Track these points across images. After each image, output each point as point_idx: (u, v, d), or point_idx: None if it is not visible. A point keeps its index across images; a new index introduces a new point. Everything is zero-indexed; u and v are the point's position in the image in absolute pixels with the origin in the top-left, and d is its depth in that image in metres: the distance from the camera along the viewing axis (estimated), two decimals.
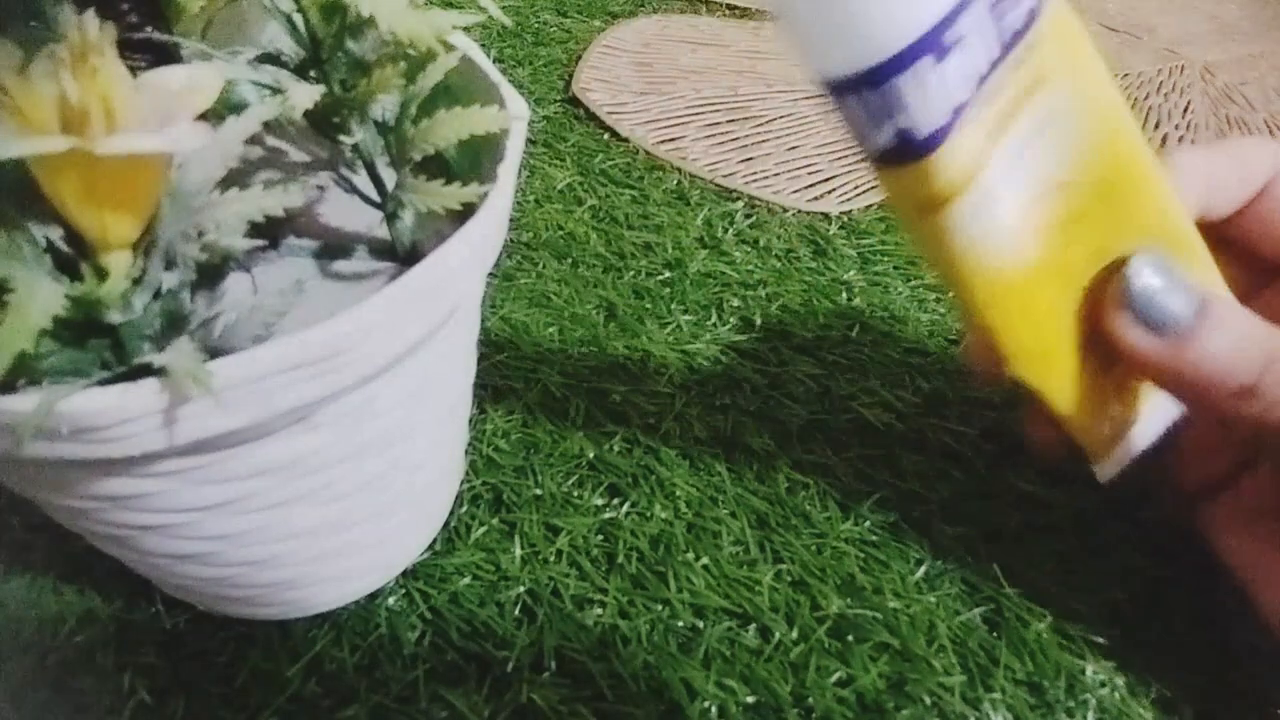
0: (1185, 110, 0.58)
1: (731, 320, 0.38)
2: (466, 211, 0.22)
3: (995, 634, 0.28)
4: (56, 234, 0.18)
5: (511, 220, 0.42)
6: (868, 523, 0.30)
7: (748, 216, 0.45)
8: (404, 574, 0.28)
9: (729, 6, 0.69)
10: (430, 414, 0.24)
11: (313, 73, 0.23)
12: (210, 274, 0.20)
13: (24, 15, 0.20)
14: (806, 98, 0.57)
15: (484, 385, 0.34)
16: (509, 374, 0.35)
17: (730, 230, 0.43)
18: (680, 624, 0.27)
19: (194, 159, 0.19)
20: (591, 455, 0.32)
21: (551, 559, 0.29)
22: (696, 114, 0.54)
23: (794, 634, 0.27)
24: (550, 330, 0.37)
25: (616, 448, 0.33)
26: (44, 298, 0.17)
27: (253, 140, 0.21)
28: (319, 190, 0.27)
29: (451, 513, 0.30)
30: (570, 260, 0.41)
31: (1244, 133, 0.56)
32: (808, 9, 0.18)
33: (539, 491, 0.31)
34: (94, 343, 0.18)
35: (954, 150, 0.19)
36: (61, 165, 0.16)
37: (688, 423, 0.34)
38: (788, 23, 0.18)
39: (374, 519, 0.25)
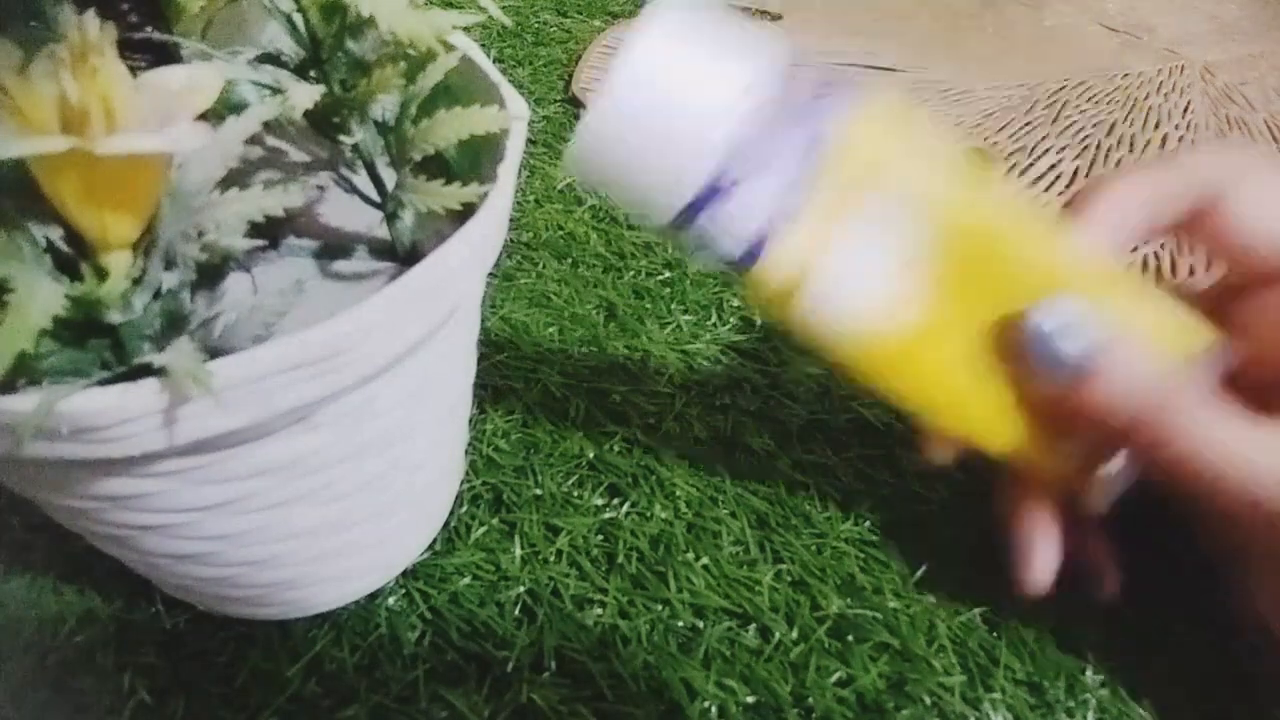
0: (1185, 110, 0.58)
1: (731, 320, 0.38)
2: (466, 211, 0.22)
3: (995, 634, 0.28)
4: (56, 234, 0.18)
5: (511, 220, 0.42)
6: (868, 523, 0.30)
7: None
8: (404, 574, 0.28)
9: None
10: (430, 414, 0.24)
11: (313, 73, 0.23)
12: (210, 274, 0.20)
13: (24, 15, 0.20)
14: None
15: (484, 385, 0.34)
16: (509, 374, 0.35)
17: None
18: (680, 624, 0.27)
19: (194, 159, 0.19)
20: (591, 455, 0.32)
21: (551, 559, 0.29)
22: None
23: (794, 634, 0.27)
24: (550, 330, 0.37)
25: (616, 448, 0.33)
26: (44, 298, 0.17)
27: (253, 140, 0.21)
28: (319, 190, 0.27)
29: (451, 513, 0.30)
30: (570, 260, 0.41)
31: (1244, 133, 0.56)
32: (620, 189, 0.23)
33: (539, 491, 0.31)
34: (94, 343, 0.18)
35: (777, 257, 0.23)
36: (61, 165, 0.16)
37: (688, 423, 0.34)
38: (611, 193, 0.23)
39: (374, 519, 0.25)
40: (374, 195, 0.25)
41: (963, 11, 0.71)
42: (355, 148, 0.24)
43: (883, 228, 0.23)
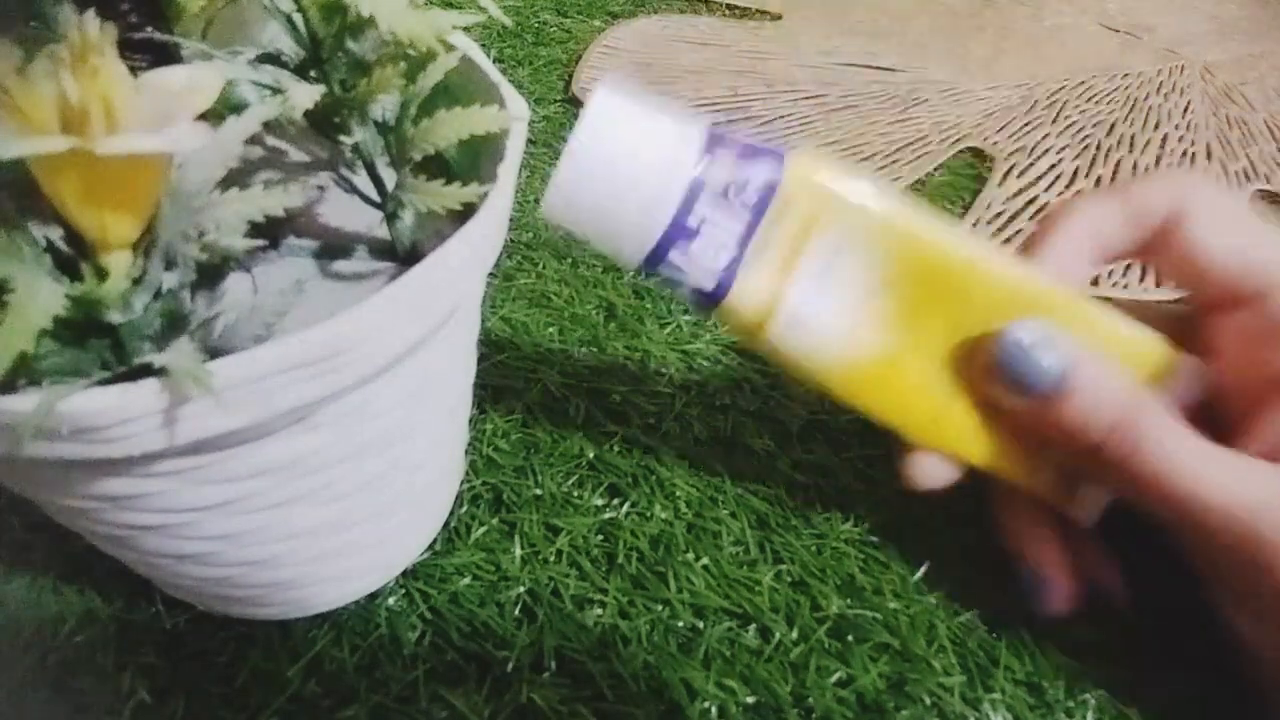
0: (1185, 110, 0.58)
1: None
2: (466, 211, 0.22)
3: (995, 634, 0.28)
4: (56, 234, 0.18)
5: (511, 220, 0.42)
6: (868, 523, 0.30)
7: None
8: (404, 574, 0.28)
9: (729, 6, 0.69)
10: (430, 414, 0.24)
11: (313, 73, 0.23)
12: (210, 274, 0.20)
13: (24, 15, 0.20)
14: (806, 98, 0.57)
15: (484, 385, 0.34)
16: (509, 374, 0.35)
17: None
18: (680, 624, 0.27)
19: (194, 159, 0.19)
20: (591, 455, 0.32)
21: (551, 559, 0.29)
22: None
23: (794, 634, 0.27)
24: (550, 330, 0.37)
25: (616, 448, 0.33)
26: (44, 298, 0.17)
27: (253, 140, 0.21)
28: (319, 190, 0.27)
29: (451, 513, 0.30)
30: (570, 260, 0.41)
31: (1244, 133, 0.56)
32: (594, 235, 0.25)
33: (539, 491, 0.31)
34: (94, 343, 0.18)
35: (742, 293, 0.25)
36: (61, 165, 0.16)
37: (688, 423, 0.34)
38: (586, 239, 0.25)
39: (374, 519, 0.25)
40: (374, 195, 0.25)
41: (963, 11, 0.71)
42: (355, 148, 0.24)
43: (843, 258, 0.25)
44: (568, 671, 0.26)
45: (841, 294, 0.25)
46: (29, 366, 0.17)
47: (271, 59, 0.23)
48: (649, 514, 0.30)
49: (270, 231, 0.24)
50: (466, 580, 0.28)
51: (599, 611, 0.28)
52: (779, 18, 0.68)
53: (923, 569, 0.29)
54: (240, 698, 0.25)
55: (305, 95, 0.21)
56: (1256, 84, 0.62)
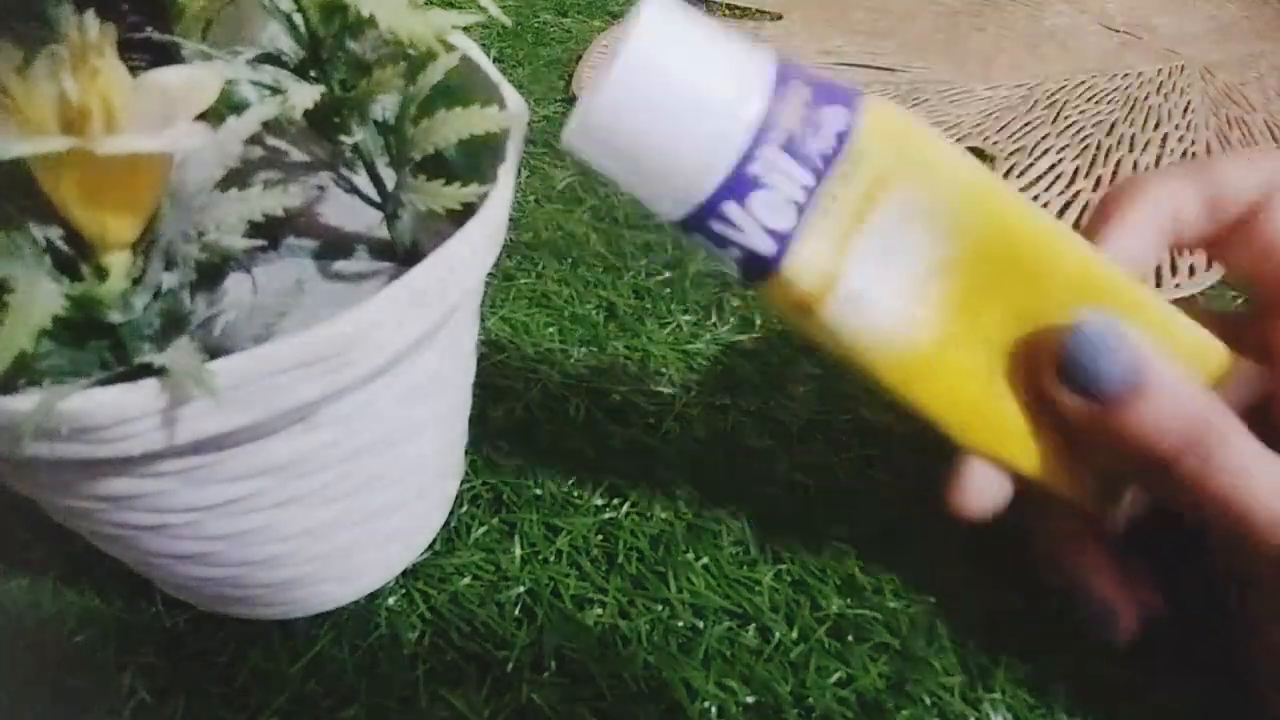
0: (1185, 110, 0.58)
1: (731, 320, 0.38)
2: (466, 211, 0.22)
3: (995, 634, 0.28)
4: (56, 234, 0.18)
5: (511, 220, 0.42)
6: (868, 522, 0.30)
7: None
8: (404, 574, 0.28)
9: (729, 6, 0.69)
10: (430, 414, 0.24)
11: (313, 73, 0.23)
12: (210, 274, 0.20)
13: (24, 15, 0.20)
14: None
15: (484, 385, 0.34)
16: (509, 374, 0.35)
17: None
18: (680, 624, 0.27)
19: (194, 159, 0.19)
20: (591, 455, 0.32)
21: (551, 559, 0.29)
22: None
23: (794, 634, 0.27)
24: (550, 330, 0.37)
25: (616, 448, 0.33)
26: (44, 298, 0.17)
27: (253, 140, 0.21)
28: (319, 190, 0.27)
29: (451, 513, 0.30)
30: (570, 260, 0.41)
31: (1244, 133, 0.56)
32: (631, 172, 0.21)
33: (539, 491, 0.31)
34: (94, 343, 0.18)
35: (798, 264, 0.21)
36: (61, 165, 0.16)
37: (688, 423, 0.34)
38: (617, 177, 0.21)
39: (374, 519, 0.25)
40: (374, 195, 0.25)
41: (963, 11, 0.71)
42: (355, 148, 0.24)
43: (909, 233, 0.22)
44: (568, 671, 0.26)
45: (904, 269, 0.22)
46: (29, 366, 0.17)
47: (271, 59, 0.23)
48: (649, 514, 0.30)
49: (270, 231, 0.24)
50: (466, 580, 0.28)
51: (599, 611, 0.28)
52: (779, 18, 0.68)
53: (923, 569, 0.29)
54: (240, 698, 0.25)
55: (305, 95, 0.21)
56: (1256, 84, 0.62)
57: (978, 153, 0.53)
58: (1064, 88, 0.60)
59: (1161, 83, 0.61)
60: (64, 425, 0.17)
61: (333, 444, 0.21)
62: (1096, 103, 0.58)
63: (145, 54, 0.22)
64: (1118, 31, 0.68)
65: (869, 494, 0.31)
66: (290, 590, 0.25)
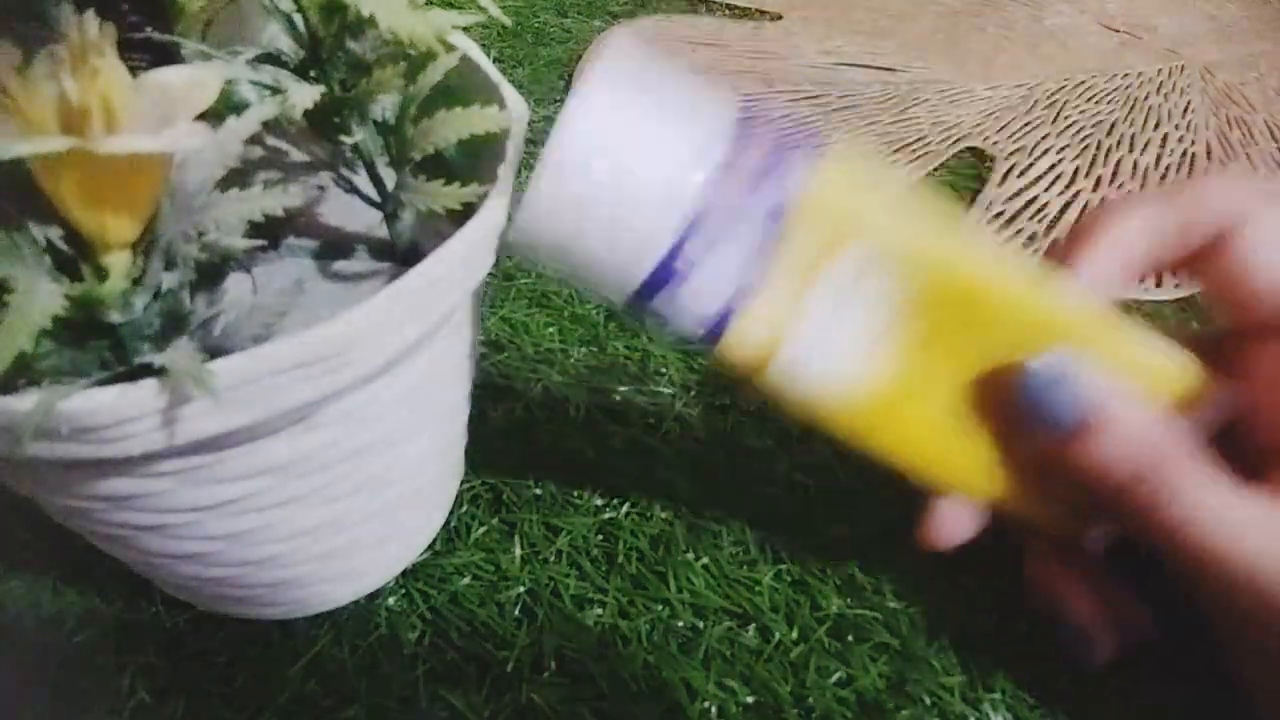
0: (1185, 110, 0.58)
1: None
2: (466, 211, 0.22)
3: (995, 634, 0.28)
4: (56, 234, 0.18)
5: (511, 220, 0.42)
6: (868, 523, 0.30)
7: None
8: (404, 574, 0.28)
9: (729, 6, 0.69)
10: (430, 414, 0.24)
11: (313, 73, 0.23)
12: (210, 274, 0.20)
13: (24, 15, 0.20)
14: (806, 98, 0.57)
15: (484, 385, 0.34)
16: (509, 374, 0.35)
17: None
18: (680, 624, 0.27)
19: (194, 159, 0.19)
20: (591, 455, 0.32)
21: (551, 559, 0.29)
22: None
23: (794, 634, 0.27)
24: (550, 330, 0.37)
25: (616, 448, 0.33)
26: (44, 298, 0.17)
27: (253, 140, 0.21)
28: (319, 190, 0.27)
29: (451, 513, 0.30)
30: None
31: (1244, 133, 0.56)
32: (568, 268, 0.22)
33: (539, 491, 0.31)
34: (94, 343, 0.18)
35: (743, 330, 0.23)
36: (61, 165, 0.16)
37: (688, 423, 0.34)
38: (559, 271, 0.22)
39: (374, 519, 0.25)
40: (374, 195, 0.25)
41: (963, 11, 0.71)
42: (355, 148, 0.24)
43: (856, 289, 0.23)
44: (568, 671, 0.26)
45: (854, 326, 0.23)
46: (29, 366, 0.17)
47: (271, 59, 0.23)
48: (649, 514, 0.30)
49: (270, 231, 0.24)
50: (466, 580, 0.28)
51: (599, 611, 0.28)
52: (779, 18, 0.68)
53: (923, 569, 0.29)
54: (240, 698, 0.25)
55: (305, 95, 0.21)
56: (1256, 84, 0.62)
57: (977, 153, 0.53)
58: (1064, 88, 0.60)
59: (1161, 83, 0.61)
60: (64, 425, 0.17)
61: (332, 444, 0.21)
62: (1096, 103, 0.58)
63: (145, 54, 0.22)
64: (1118, 31, 0.68)
65: (869, 494, 0.31)
66: (290, 590, 0.25)
